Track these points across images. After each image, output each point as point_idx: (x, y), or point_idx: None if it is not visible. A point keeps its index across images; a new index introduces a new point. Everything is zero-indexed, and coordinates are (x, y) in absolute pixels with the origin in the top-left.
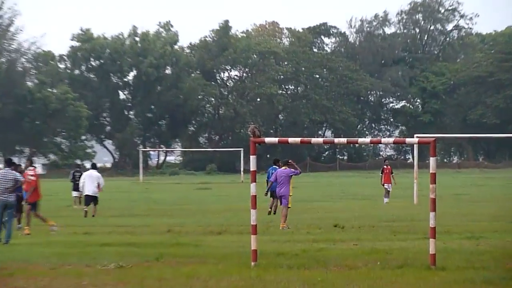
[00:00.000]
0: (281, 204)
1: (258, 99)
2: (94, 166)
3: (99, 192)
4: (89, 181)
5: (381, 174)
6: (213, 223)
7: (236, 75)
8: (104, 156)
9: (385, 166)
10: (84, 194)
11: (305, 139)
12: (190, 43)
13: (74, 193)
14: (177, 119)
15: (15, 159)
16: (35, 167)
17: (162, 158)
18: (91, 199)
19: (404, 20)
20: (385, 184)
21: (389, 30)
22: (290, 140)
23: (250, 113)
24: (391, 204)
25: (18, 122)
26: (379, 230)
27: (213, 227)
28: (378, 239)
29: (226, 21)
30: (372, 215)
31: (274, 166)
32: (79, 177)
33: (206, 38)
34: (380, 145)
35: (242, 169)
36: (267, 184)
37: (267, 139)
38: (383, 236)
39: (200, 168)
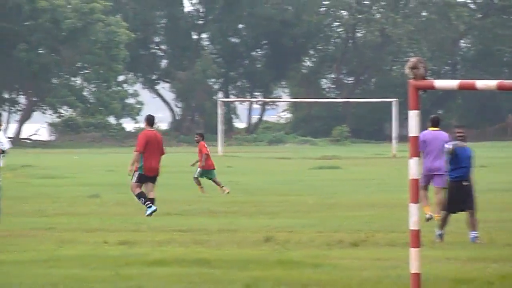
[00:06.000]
0: (434, 184)
1: (424, 13)
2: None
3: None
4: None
5: None
6: (343, 227)
7: None
8: (158, 111)
9: None
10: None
11: (507, 82)
12: None
13: None
14: (283, 49)
15: None
16: None
17: (256, 115)
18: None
19: None
20: None
21: None
22: (479, 84)
23: (409, 37)
24: None
25: (7, 51)
26: None
27: (343, 234)
28: None
29: None
30: None
31: None
32: None
33: None
34: None
35: (394, 134)
36: None
37: (438, 82)
38: None
39: (321, 132)
